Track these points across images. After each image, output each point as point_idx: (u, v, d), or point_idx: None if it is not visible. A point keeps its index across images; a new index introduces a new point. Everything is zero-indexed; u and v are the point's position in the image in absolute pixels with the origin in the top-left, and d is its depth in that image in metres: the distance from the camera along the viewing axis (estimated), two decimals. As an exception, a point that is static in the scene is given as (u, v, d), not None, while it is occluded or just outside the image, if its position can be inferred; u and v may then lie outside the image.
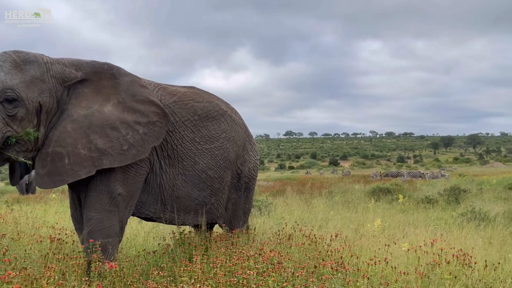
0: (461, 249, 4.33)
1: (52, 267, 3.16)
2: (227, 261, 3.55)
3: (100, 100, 3.87)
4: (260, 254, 3.82)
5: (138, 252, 4.63)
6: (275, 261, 3.56)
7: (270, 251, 4.04)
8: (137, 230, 6.51)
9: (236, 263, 3.49)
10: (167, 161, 4.24)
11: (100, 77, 3.92)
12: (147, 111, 3.97)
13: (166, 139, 4.21)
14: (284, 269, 3.36)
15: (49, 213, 9.38)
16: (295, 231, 5.58)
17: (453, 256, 4.01)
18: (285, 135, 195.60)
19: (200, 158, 4.39)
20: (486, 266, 3.96)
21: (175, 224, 4.56)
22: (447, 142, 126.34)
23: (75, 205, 4.23)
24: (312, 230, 5.85)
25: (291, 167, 72.90)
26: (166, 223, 4.50)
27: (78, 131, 3.72)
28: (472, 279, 3.75)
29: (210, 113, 4.54)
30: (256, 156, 5.22)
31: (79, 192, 3.94)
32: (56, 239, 4.30)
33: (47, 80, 3.64)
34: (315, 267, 3.58)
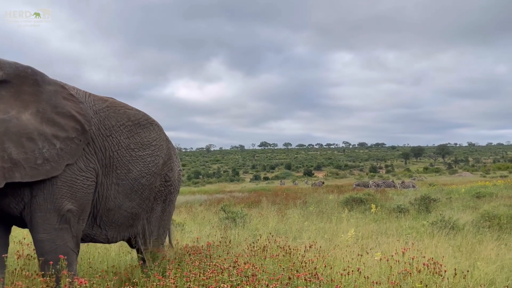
0: (432, 258, 4.42)
1: (19, 285, 3.05)
2: (201, 274, 3.51)
3: (18, 106, 3.55)
4: (234, 266, 3.80)
5: (113, 266, 4.53)
6: (249, 274, 3.54)
7: (245, 263, 4.02)
8: (108, 244, 6.36)
9: (210, 277, 3.46)
10: (104, 170, 4.01)
11: (22, 81, 3.62)
12: (67, 125, 3.72)
13: (105, 146, 4.02)
14: (259, 282, 3.34)
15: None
16: (269, 242, 5.58)
17: (424, 265, 4.09)
18: (259, 146, 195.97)
19: (134, 166, 4.25)
20: (455, 274, 4.05)
21: (100, 242, 4.32)
22: (417, 152, 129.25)
23: None
24: (287, 241, 5.87)
25: (266, 178, 73.07)
26: (91, 242, 4.25)
27: None
28: (442, 288, 3.83)
29: (141, 120, 4.49)
30: (179, 164, 5.16)
31: (21, 211, 3.62)
32: (23, 255, 4.16)
33: None
34: (289, 278, 3.58)
